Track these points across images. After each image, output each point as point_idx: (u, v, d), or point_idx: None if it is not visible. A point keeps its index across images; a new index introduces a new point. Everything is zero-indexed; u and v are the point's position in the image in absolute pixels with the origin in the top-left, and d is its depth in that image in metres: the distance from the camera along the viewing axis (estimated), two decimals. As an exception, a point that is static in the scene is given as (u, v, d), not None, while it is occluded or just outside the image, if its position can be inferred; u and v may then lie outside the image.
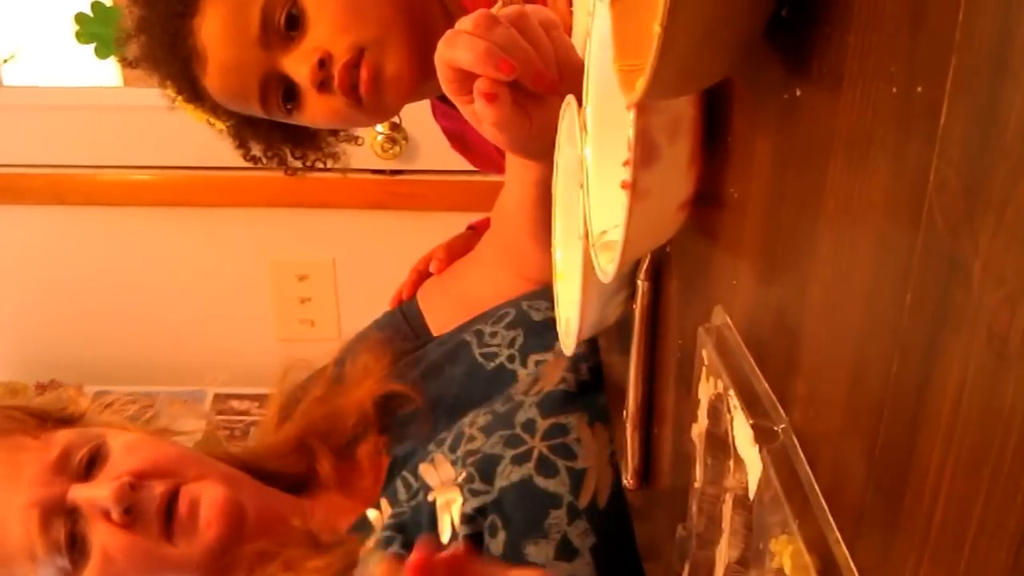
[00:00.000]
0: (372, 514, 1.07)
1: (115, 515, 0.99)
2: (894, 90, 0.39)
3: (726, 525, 0.57)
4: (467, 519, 0.97)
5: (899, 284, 0.39)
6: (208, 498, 1.02)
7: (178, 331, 2.65)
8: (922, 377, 0.38)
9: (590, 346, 1.08)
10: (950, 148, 0.35)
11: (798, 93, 0.48)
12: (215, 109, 1.37)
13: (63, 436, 1.07)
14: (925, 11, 0.36)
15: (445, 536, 0.98)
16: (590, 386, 1.06)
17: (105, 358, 2.63)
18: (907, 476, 0.40)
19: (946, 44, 0.35)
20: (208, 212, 2.51)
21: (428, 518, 1.00)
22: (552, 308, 1.09)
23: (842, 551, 0.45)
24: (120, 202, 2.52)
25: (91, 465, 1.04)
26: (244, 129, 1.43)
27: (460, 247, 1.39)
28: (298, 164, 1.53)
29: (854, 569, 0.45)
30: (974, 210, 0.34)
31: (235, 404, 2.54)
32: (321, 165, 1.56)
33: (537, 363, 1.10)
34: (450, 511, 0.99)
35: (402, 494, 1.06)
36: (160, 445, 1.10)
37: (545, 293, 1.11)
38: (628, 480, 0.87)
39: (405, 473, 1.07)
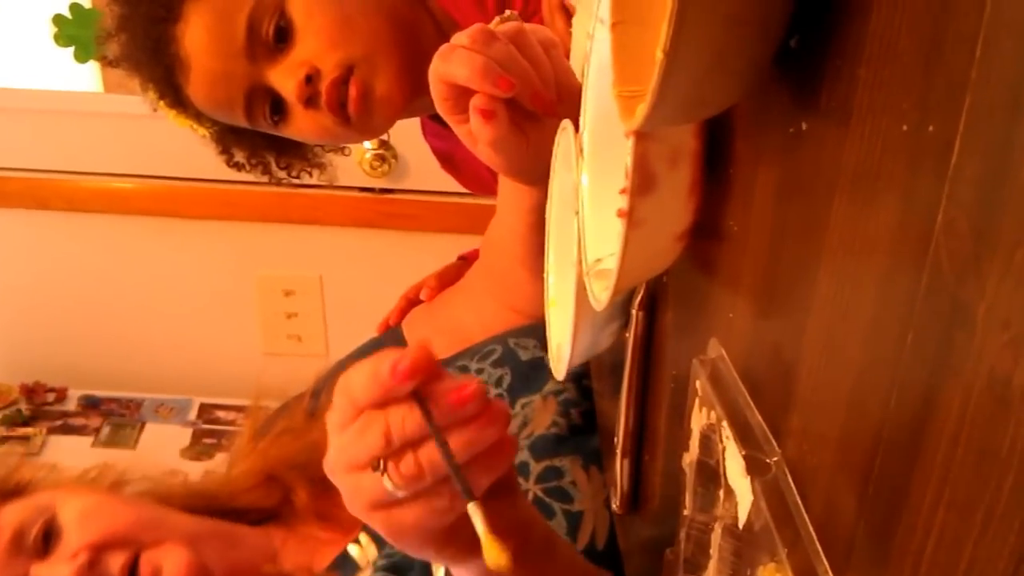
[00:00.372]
0: (354, 550, 1.04)
1: None
2: (905, 127, 0.38)
3: (714, 552, 0.56)
4: None
5: (900, 323, 0.39)
6: (171, 566, 0.99)
7: (164, 340, 2.65)
8: (920, 417, 0.38)
9: (581, 391, 1.07)
10: (960, 189, 0.35)
11: (804, 126, 0.48)
12: (198, 116, 1.34)
13: (12, 514, 1.02)
14: (941, 47, 0.36)
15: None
16: (582, 430, 1.04)
17: (91, 362, 2.63)
18: (899, 513, 0.40)
19: (961, 82, 0.34)
20: (196, 224, 2.51)
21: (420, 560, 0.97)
22: (539, 347, 1.08)
23: (828, 577, 0.45)
24: (104, 210, 2.52)
25: (47, 539, 1.00)
26: (228, 135, 1.40)
27: (451, 276, 1.36)
28: (283, 174, 1.50)
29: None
30: (982, 253, 0.34)
31: (221, 414, 2.54)
32: (307, 175, 1.53)
33: (523, 406, 1.08)
34: None
35: None
36: (115, 509, 1.05)
37: (532, 330, 1.10)
38: (616, 505, 0.86)
39: None
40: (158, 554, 0.99)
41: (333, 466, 0.67)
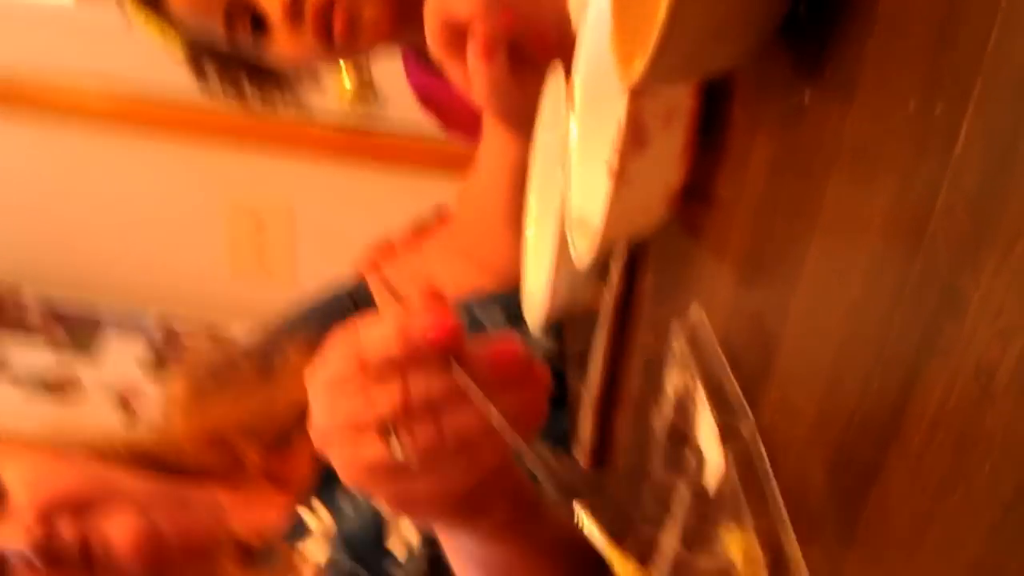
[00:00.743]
0: (311, 522, 1.02)
1: (39, 565, 0.93)
2: (911, 107, 0.38)
3: (677, 511, 0.56)
4: (428, 541, 0.91)
5: (889, 304, 0.39)
6: (123, 536, 0.96)
7: (130, 252, 2.60)
8: (900, 399, 0.38)
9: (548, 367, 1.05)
10: (964, 175, 0.35)
11: (807, 97, 0.47)
12: (172, 23, 1.28)
13: None
14: (955, 28, 0.36)
15: (398, 552, 0.95)
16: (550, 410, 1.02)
17: (53, 267, 2.59)
18: (870, 491, 0.40)
19: (973, 66, 0.34)
20: (171, 141, 2.46)
21: (374, 531, 0.95)
22: (505, 319, 1.05)
23: (794, 550, 0.45)
24: (76, 114, 2.47)
25: None
26: (200, 50, 1.34)
27: (427, 228, 1.34)
28: (255, 97, 1.46)
29: (804, 568, 0.45)
30: (980, 240, 0.33)
31: (181, 330, 2.52)
32: (280, 101, 1.49)
33: None
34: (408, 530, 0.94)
35: (347, 504, 1.00)
36: (60, 470, 1.01)
37: (500, 299, 1.07)
38: (582, 459, 0.86)
39: (354, 492, 0.99)
40: (108, 525, 0.96)
41: (325, 430, 0.60)
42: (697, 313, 0.59)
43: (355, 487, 0.62)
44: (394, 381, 0.56)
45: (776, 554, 0.46)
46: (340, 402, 0.59)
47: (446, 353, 0.56)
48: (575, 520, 0.59)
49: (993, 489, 0.33)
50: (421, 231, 1.31)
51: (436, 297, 0.58)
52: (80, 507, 0.96)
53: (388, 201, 2.25)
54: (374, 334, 0.57)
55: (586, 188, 0.65)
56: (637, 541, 0.64)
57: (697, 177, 0.60)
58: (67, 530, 0.95)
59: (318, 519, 1.01)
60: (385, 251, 1.30)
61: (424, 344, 0.56)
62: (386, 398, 0.57)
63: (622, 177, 0.57)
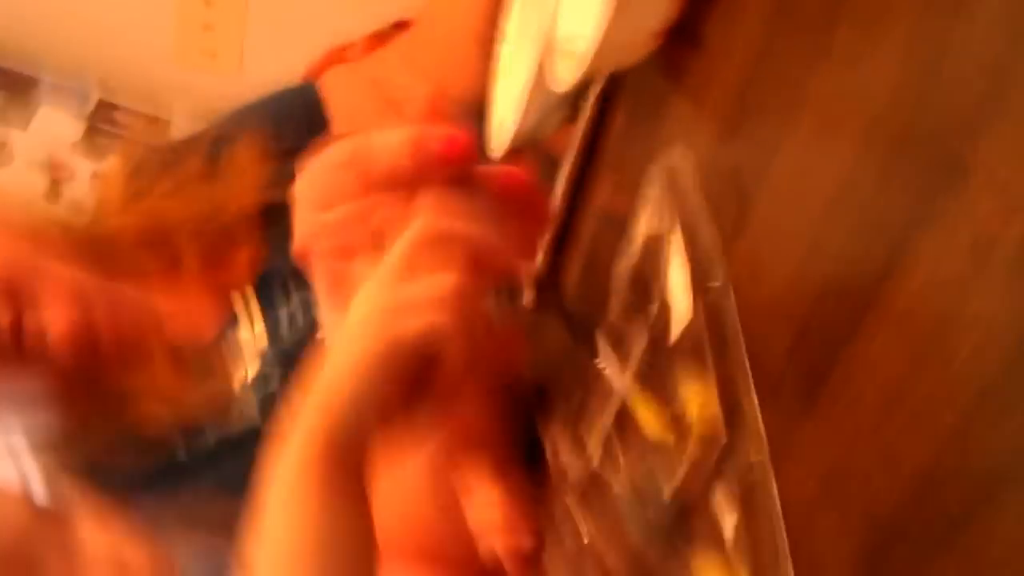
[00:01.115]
0: (244, 335, 1.00)
1: None
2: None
3: (633, 359, 0.56)
4: None
5: (884, 168, 0.38)
6: (58, 324, 0.93)
7: (70, 20, 2.49)
8: (885, 267, 0.37)
9: None
10: (982, 45, 0.33)
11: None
12: None
13: None
14: None
15: None
16: None
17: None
18: (837, 359, 0.39)
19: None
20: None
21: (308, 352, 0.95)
22: None
23: (753, 409, 0.45)
24: None
25: None
26: None
27: (384, 44, 1.28)
28: None
29: (761, 429, 0.44)
30: (994, 111, 0.32)
31: (119, 115, 2.45)
32: None
33: None
34: None
35: (284, 326, 0.99)
36: None
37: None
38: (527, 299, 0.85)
39: (293, 309, 1.00)
40: (42, 315, 0.93)
41: (310, 242, 0.57)
42: (679, 156, 0.57)
43: (336, 303, 0.58)
44: (398, 197, 0.53)
45: (733, 412, 0.45)
46: (332, 218, 0.55)
47: (458, 170, 0.53)
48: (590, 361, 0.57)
49: (972, 370, 0.32)
50: (378, 40, 1.26)
51: (443, 108, 0.54)
52: (11, 291, 0.93)
53: (349, 2, 2.17)
54: (383, 143, 0.53)
55: (575, 10, 0.62)
56: (590, 389, 0.63)
57: (689, 16, 0.57)
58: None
59: (252, 333, 0.99)
60: (338, 56, 1.25)
61: (437, 159, 0.52)
62: (387, 214, 0.53)
63: (619, 2, 0.55)
